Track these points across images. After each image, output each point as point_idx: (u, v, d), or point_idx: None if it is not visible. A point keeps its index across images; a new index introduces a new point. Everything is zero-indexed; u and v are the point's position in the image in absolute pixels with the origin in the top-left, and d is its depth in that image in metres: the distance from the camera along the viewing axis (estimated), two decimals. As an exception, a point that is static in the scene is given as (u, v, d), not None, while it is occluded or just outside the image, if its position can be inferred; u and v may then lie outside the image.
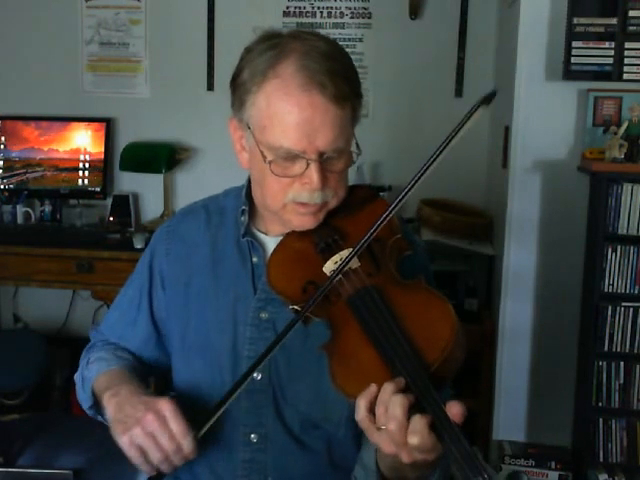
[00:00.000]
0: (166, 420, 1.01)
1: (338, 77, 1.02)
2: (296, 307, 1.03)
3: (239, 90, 1.07)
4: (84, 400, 1.22)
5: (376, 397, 0.89)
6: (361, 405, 0.90)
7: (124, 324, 1.28)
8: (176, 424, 1.01)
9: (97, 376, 1.20)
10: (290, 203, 1.07)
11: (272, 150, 1.04)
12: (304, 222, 1.10)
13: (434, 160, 0.95)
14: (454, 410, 0.85)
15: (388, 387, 0.88)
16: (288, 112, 1.01)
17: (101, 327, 1.33)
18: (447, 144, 0.95)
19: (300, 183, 1.05)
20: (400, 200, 0.99)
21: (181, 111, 3.31)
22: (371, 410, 0.89)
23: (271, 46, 1.04)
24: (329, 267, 1.05)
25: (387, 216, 1.00)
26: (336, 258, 1.06)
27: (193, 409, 1.12)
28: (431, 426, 0.85)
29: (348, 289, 1.01)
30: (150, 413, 1.02)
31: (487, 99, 0.93)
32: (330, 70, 1.01)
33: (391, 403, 0.86)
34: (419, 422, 0.84)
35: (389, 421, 0.86)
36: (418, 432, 0.84)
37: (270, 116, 1.03)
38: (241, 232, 1.18)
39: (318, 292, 1.01)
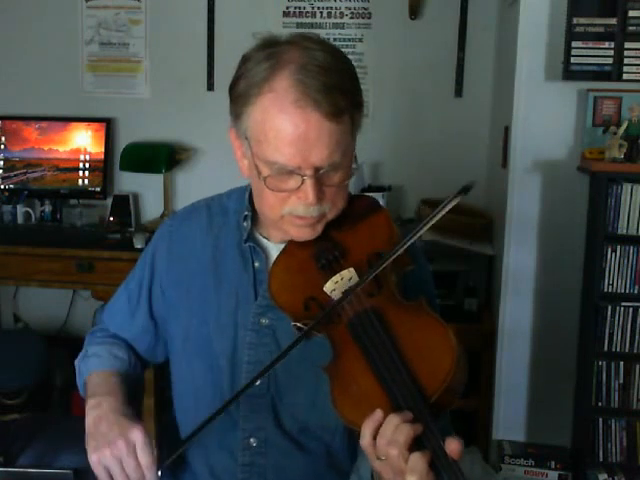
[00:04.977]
0: (135, 449, 1.04)
1: (334, 91, 1.00)
2: (299, 324, 1.03)
3: (236, 101, 1.06)
4: (80, 389, 1.26)
5: (381, 424, 0.89)
6: (366, 432, 0.90)
7: (123, 315, 1.29)
8: (144, 455, 1.04)
9: (89, 374, 1.22)
10: (287, 215, 1.07)
11: (267, 165, 1.03)
12: (302, 234, 1.09)
13: (410, 239, 0.99)
14: (452, 446, 0.85)
15: (393, 419, 0.88)
16: (282, 128, 1.00)
17: (103, 315, 1.35)
18: (422, 228, 0.98)
19: (296, 197, 1.04)
20: (395, 253, 1.00)
21: (181, 111, 3.31)
22: (375, 437, 0.89)
23: (268, 56, 1.03)
24: (329, 287, 1.05)
25: (390, 259, 1.00)
26: (336, 278, 1.05)
27: (195, 412, 1.13)
28: (430, 463, 0.85)
29: (348, 312, 1.01)
30: (121, 440, 1.04)
31: (466, 189, 0.95)
32: (326, 85, 0.99)
33: (396, 432, 0.86)
34: (419, 461, 0.85)
35: (390, 447, 0.87)
36: (417, 472, 0.85)
37: (265, 131, 1.02)
38: (243, 237, 1.18)
39: (319, 316, 1.00)
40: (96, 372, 1.21)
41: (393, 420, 0.88)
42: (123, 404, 1.14)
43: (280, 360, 1.01)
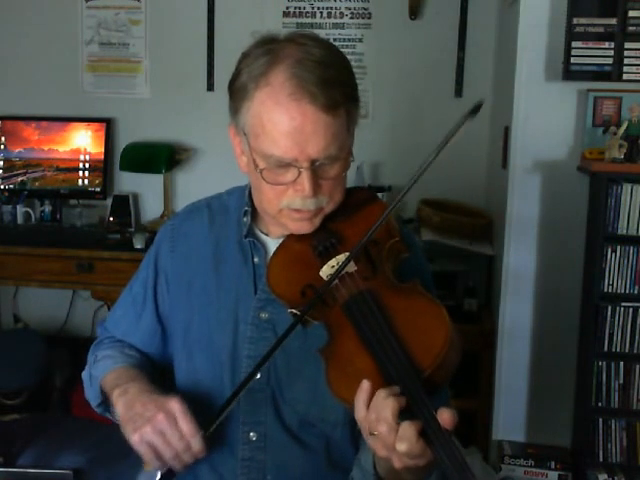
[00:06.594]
0: (176, 420, 1.04)
1: (330, 85, 1.02)
2: (294, 311, 1.04)
3: (235, 96, 1.08)
4: (92, 398, 1.24)
5: (371, 394, 0.89)
6: (359, 405, 0.90)
7: (129, 320, 1.29)
8: (186, 424, 1.04)
9: (105, 374, 1.21)
10: (285, 209, 1.08)
11: (264, 158, 1.05)
12: (300, 227, 1.11)
13: (425, 169, 0.99)
14: (444, 416, 0.85)
15: (381, 393, 0.88)
16: (279, 121, 1.01)
17: (106, 323, 1.34)
18: (435, 157, 0.99)
19: (293, 190, 1.06)
20: (395, 205, 1.02)
21: (181, 111, 3.31)
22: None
23: (266, 52, 1.05)
24: (326, 271, 1.06)
25: (381, 222, 1.02)
26: (333, 262, 1.07)
27: (196, 408, 1.13)
28: (421, 432, 0.85)
29: (344, 293, 1.02)
30: (161, 413, 1.04)
31: (474, 110, 0.99)
32: (322, 78, 1.01)
33: (382, 406, 0.87)
34: (408, 429, 0.85)
35: (379, 424, 0.87)
36: (406, 439, 0.85)
37: (262, 124, 1.03)
38: (243, 233, 1.19)
39: (315, 297, 1.01)
40: (111, 370, 1.21)
41: (381, 393, 0.88)
42: (149, 385, 1.14)
43: (279, 345, 1.01)
